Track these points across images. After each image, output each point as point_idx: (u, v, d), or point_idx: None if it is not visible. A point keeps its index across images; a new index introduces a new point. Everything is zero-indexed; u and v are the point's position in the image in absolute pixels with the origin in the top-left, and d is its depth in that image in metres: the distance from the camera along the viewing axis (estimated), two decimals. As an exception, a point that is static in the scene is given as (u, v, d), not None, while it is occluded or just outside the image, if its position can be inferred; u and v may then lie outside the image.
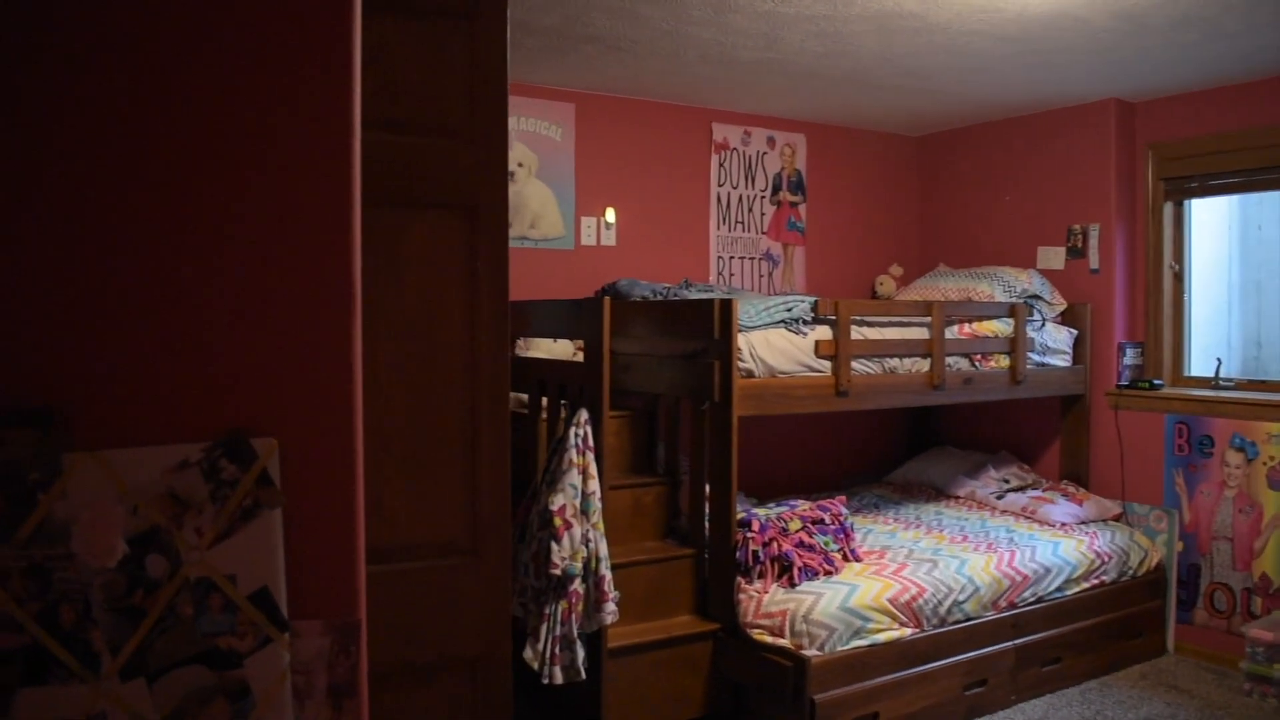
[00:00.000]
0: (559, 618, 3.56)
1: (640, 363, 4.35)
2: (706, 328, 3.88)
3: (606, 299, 3.83)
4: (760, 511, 4.12)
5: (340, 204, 1.51)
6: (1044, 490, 5.06)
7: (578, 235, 5.07)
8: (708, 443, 4.03)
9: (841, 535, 4.07)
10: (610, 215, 5.13)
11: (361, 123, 2.02)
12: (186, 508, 1.40)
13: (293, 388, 1.49)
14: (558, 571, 3.53)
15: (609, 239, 5.14)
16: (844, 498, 4.38)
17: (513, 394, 4.73)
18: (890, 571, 3.97)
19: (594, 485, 3.69)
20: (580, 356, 4.67)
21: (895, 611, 3.81)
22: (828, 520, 4.08)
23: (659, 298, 4.65)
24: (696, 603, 4.07)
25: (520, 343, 4.76)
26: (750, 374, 4.01)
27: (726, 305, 3.83)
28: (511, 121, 4.82)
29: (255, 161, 1.44)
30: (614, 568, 3.88)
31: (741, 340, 3.98)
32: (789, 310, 4.17)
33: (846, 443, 5.88)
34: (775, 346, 4.08)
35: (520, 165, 4.90)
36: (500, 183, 2.13)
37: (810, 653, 3.63)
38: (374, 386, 2.07)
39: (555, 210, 5.01)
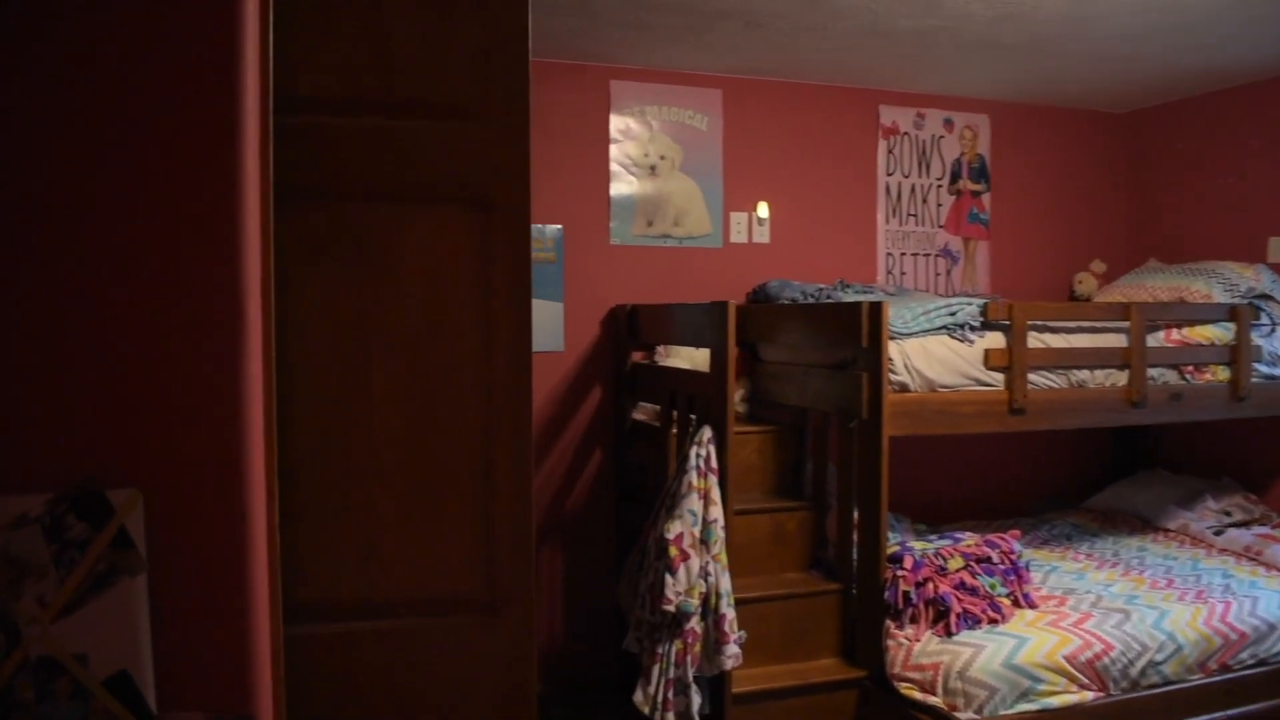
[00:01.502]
0: (673, 659, 3.18)
1: (787, 372, 3.92)
2: (853, 335, 3.41)
3: (731, 303, 3.42)
4: (916, 545, 3.60)
5: (222, 205, 1.20)
6: (1273, 527, 4.26)
7: (726, 233, 4.67)
8: (855, 465, 3.55)
9: (1012, 577, 3.50)
10: (762, 210, 4.70)
11: (351, 104, 1.72)
12: (25, 573, 1.13)
13: (162, 427, 1.19)
14: (671, 608, 3.16)
15: (761, 236, 4.71)
16: (1018, 532, 3.79)
17: (645, 404, 4.41)
18: (1070, 623, 3.36)
19: (716, 512, 3.29)
20: (725, 365, 4.28)
21: (1074, 671, 3.21)
22: (995, 559, 3.51)
23: (810, 300, 4.19)
24: (842, 646, 3.60)
25: (660, 350, 4.41)
26: (904, 388, 3.51)
27: (876, 309, 3.35)
28: (652, 111, 4.49)
29: (102, 160, 1.15)
30: (748, 602, 3.48)
31: (894, 349, 3.48)
32: (952, 314, 3.63)
33: (1037, 461, 5.20)
34: (935, 356, 3.55)
35: (663, 158, 4.55)
36: (520, 171, 1.77)
37: (965, 716, 3.10)
38: (367, 411, 1.77)
39: (701, 206, 4.63)
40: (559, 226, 4.44)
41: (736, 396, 4.21)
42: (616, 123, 4.50)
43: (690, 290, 4.53)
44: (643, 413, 4.38)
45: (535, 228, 4.33)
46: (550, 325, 4.44)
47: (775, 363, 4.09)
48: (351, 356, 1.76)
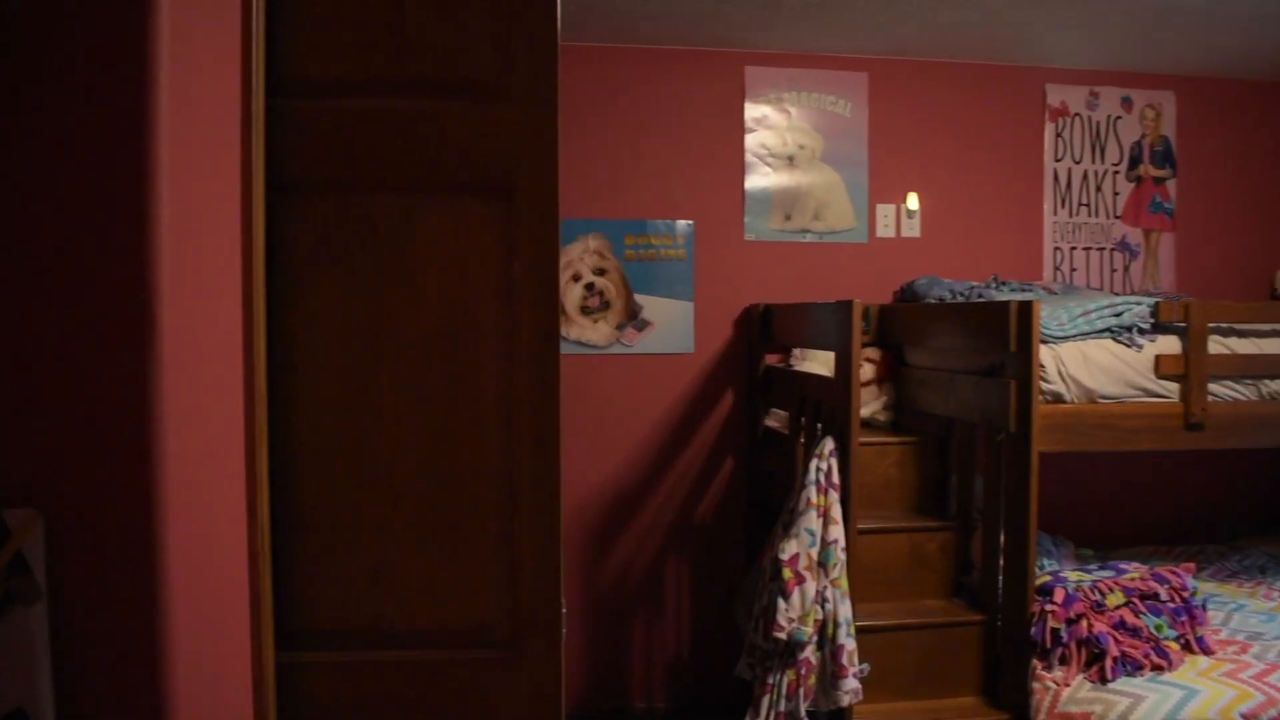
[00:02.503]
0: (784, 690, 2.92)
1: (933, 378, 3.58)
2: (999, 338, 3.05)
3: (856, 302, 3.11)
4: (1071, 576, 3.19)
5: (129, 207, 1.05)
6: None
7: (872, 226, 4.34)
8: (1003, 482, 3.18)
9: (1183, 617, 3.05)
10: (912, 202, 4.34)
11: (362, 86, 1.56)
12: (-94, 607, 1.01)
13: (65, 443, 1.05)
14: (782, 635, 2.90)
15: (910, 230, 4.35)
16: (1192, 565, 3.32)
17: (777, 410, 4.14)
18: (1252, 674, 2.90)
19: (836, 532, 3.00)
20: (865, 369, 3.97)
21: (1256, 732, 2.76)
22: (1164, 595, 3.07)
23: (960, 300, 3.83)
24: (985, 684, 3.24)
25: (796, 353, 4.13)
26: (1058, 398, 3.12)
27: (1025, 309, 2.98)
28: (791, 98, 4.21)
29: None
30: (878, 630, 3.18)
31: (1047, 354, 3.10)
32: (1118, 315, 3.20)
33: (1231, 478, 4.61)
34: (1096, 363, 3.14)
35: (802, 148, 4.27)
36: (546, 154, 1.58)
37: (1120, 777, 2.71)
38: (377, 423, 1.61)
39: (845, 198, 4.31)
40: (690, 222, 4.22)
41: (879, 404, 3.90)
42: (752, 111, 4.24)
43: (831, 289, 4.23)
44: (775, 419, 4.11)
45: (664, 223, 4.15)
46: (680, 325, 4.23)
47: (921, 368, 3.75)
48: (361, 362, 1.61)
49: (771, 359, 4.22)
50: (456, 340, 1.61)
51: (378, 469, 1.62)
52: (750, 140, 4.25)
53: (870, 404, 3.93)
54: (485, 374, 1.62)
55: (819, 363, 3.98)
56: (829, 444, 3.09)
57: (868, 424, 3.92)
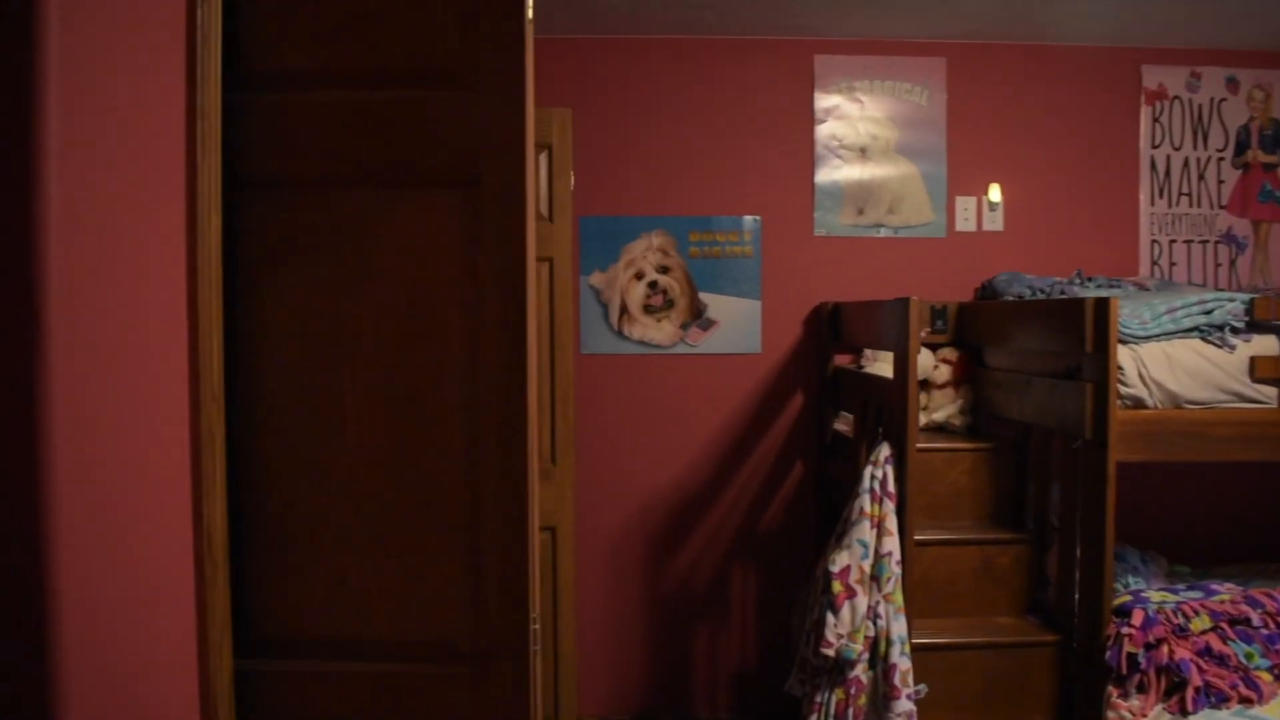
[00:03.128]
0: (832, 710, 2.77)
1: (1010, 381, 3.38)
2: (1075, 337, 2.83)
3: (912, 300, 2.93)
4: (1154, 596, 2.94)
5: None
6: None
7: (951, 220, 4.11)
8: (1079, 494, 2.96)
9: (1279, 645, 2.78)
10: (994, 193, 4.10)
11: (323, 77, 1.50)
12: None
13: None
14: (830, 652, 2.74)
15: (993, 223, 4.11)
16: (1293, 587, 3.03)
17: (846, 414, 3.95)
18: (1357, 711, 2.62)
19: (890, 544, 2.83)
20: (941, 371, 3.77)
21: (1358, 777, 2.48)
22: (1256, 620, 2.80)
23: (1040, 296, 3.59)
24: (1058, 711, 3.02)
25: (866, 354, 3.94)
26: (1139, 403, 2.89)
27: (1101, 306, 2.76)
28: (863, 86, 4.02)
29: None
30: (943, 648, 3.00)
31: (1126, 356, 2.87)
32: (1207, 313, 2.94)
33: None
34: (1182, 365, 2.89)
35: (875, 139, 4.07)
36: (515, 143, 1.47)
37: (1199, 819, 2.47)
38: (340, 427, 1.53)
39: (921, 191, 4.10)
40: (756, 217, 4.08)
41: (955, 407, 3.70)
42: (822, 101, 4.07)
43: (906, 286, 4.02)
44: (844, 423, 3.93)
45: (730, 219, 4.01)
46: (747, 325, 4.08)
47: (999, 370, 3.54)
48: (324, 363, 1.54)
49: (841, 360, 4.04)
50: (420, 341, 1.52)
51: (340, 474, 1.55)
52: (820, 131, 4.07)
53: (946, 407, 3.73)
54: (449, 377, 1.53)
55: (889, 364, 3.78)
56: (884, 450, 2.92)
57: (942, 428, 3.72)
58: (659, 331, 4.12)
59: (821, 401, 4.07)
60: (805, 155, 4.07)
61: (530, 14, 1.52)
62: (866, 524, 2.85)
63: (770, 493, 4.13)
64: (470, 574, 1.53)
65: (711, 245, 4.09)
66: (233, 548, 1.54)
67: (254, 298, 1.56)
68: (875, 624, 2.78)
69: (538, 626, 1.58)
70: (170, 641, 1.41)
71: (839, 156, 4.08)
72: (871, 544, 2.83)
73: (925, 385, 3.82)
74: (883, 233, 4.10)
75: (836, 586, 2.80)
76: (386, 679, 1.54)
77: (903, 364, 2.95)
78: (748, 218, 4.08)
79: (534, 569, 1.56)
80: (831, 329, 3.98)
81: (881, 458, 2.90)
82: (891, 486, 2.88)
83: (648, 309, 4.11)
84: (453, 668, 1.54)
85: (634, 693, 4.13)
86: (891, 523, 2.84)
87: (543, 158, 3.48)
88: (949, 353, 3.78)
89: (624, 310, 4.11)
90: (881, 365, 3.81)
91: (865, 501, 2.87)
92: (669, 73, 4.05)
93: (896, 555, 2.82)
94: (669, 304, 4.11)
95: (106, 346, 1.18)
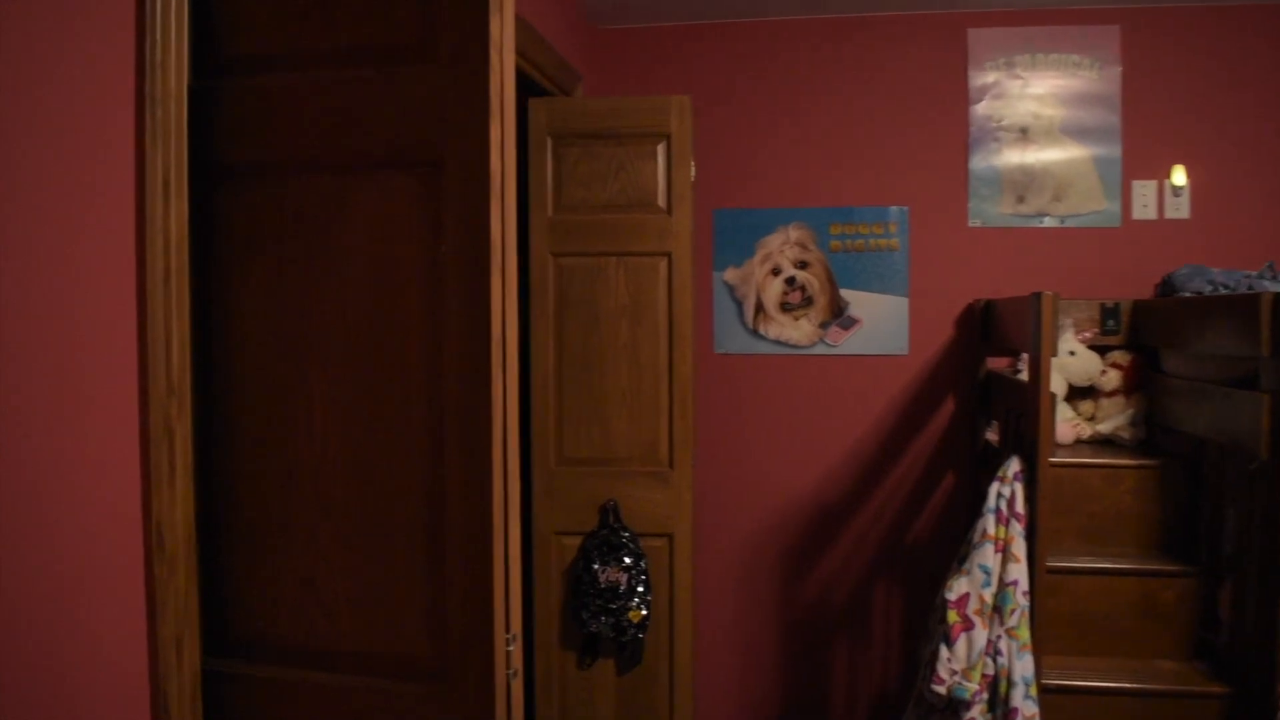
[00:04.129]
0: (944, 756, 2.47)
1: (1184, 389, 2.97)
2: (1250, 338, 2.43)
3: (1047, 295, 2.58)
4: (1346, 646, 2.48)
5: None
6: None
7: (1127, 207, 3.67)
8: (1255, 521, 2.54)
9: None
10: (1178, 177, 3.62)
11: (288, 58, 1.41)
12: None
13: None
14: (941, 689, 2.45)
15: (1177, 210, 3.63)
16: None
17: (997, 422, 3.58)
18: None
19: (1017, 571, 2.51)
20: (1110, 377, 3.36)
21: None
22: None
23: (1223, 291, 3.12)
24: (1226, 771, 2.60)
25: (1024, 356, 3.56)
26: (1329, 418, 2.43)
27: (1278, 302, 2.35)
28: (1023, 61, 3.65)
29: None
30: (1091, 691, 2.67)
31: (1313, 362, 2.42)
32: None
33: None
34: (1387, 373, 2.42)
35: (1037, 118, 3.68)
36: (475, 120, 1.32)
37: None
38: (307, 423, 1.44)
39: (1091, 176, 3.67)
40: (904, 207, 3.77)
41: (1124, 418, 3.29)
42: (976, 79, 3.71)
43: (1074, 282, 3.61)
44: (995, 432, 3.57)
45: (874, 210, 3.73)
46: (892, 324, 3.78)
47: (1175, 376, 3.11)
48: (291, 357, 1.46)
49: (996, 363, 3.68)
50: (384, 337, 1.41)
51: (307, 472, 1.46)
52: (975, 112, 3.72)
53: (1115, 418, 3.32)
54: (412, 373, 1.40)
55: (1057, 368, 3.40)
56: (1014, 465, 2.59)
57: (1111, 441, 3.31)
58: (797, 330, 3.88)
59: (974, 408, 3.72)
60: (958, 139, 3.73)
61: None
62: (990, 548, 2.54)
63: (917, 505, 3.81)
64: (431, 586, 1.41)
65: (854, 238, 3.81)
66: (206, 546, 1.48)
67: (228, 290, 1.49)
68: (995, 661, 2.47)
69: (513, 648, 1.42)
70: (117, 638, 1.36)
71: (996, 139, 3.71)
72: (995, 570, 2.52)
73: (1093, 392, 3.42)
74: (1047, 222, 3.70)
75: (952, 616, 2.50)
76: (353, 693, 1.44)
77: (1035, 367, 2.61)
78: (894, 208, 3.77)
79: (505, 583, 1.41)
80: (983, 329, 3.63)
81: (1010, 473, 2.58)
82: (1020, 506, 2.55)
83: (785, 306, 3.88)
84: (414, 686, 1.43)
85: (763, 711, 3.91)
86: (1019, 547, 2.52)
87: (660, 148, 3.33)
88: (1120, 356, 3.37)
89: (760, 308, 3.90)
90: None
91: (989, 523, 2.56)
92: (803, 56, 3.80)
93: (1024, 585, 2.50)
94: (807, 301, 3.86)
95: (41, 341, 1.14)
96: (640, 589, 3.30)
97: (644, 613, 3.29)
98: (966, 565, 2.55)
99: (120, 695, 1.38)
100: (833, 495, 3.86)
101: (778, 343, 3.88)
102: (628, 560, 3.30)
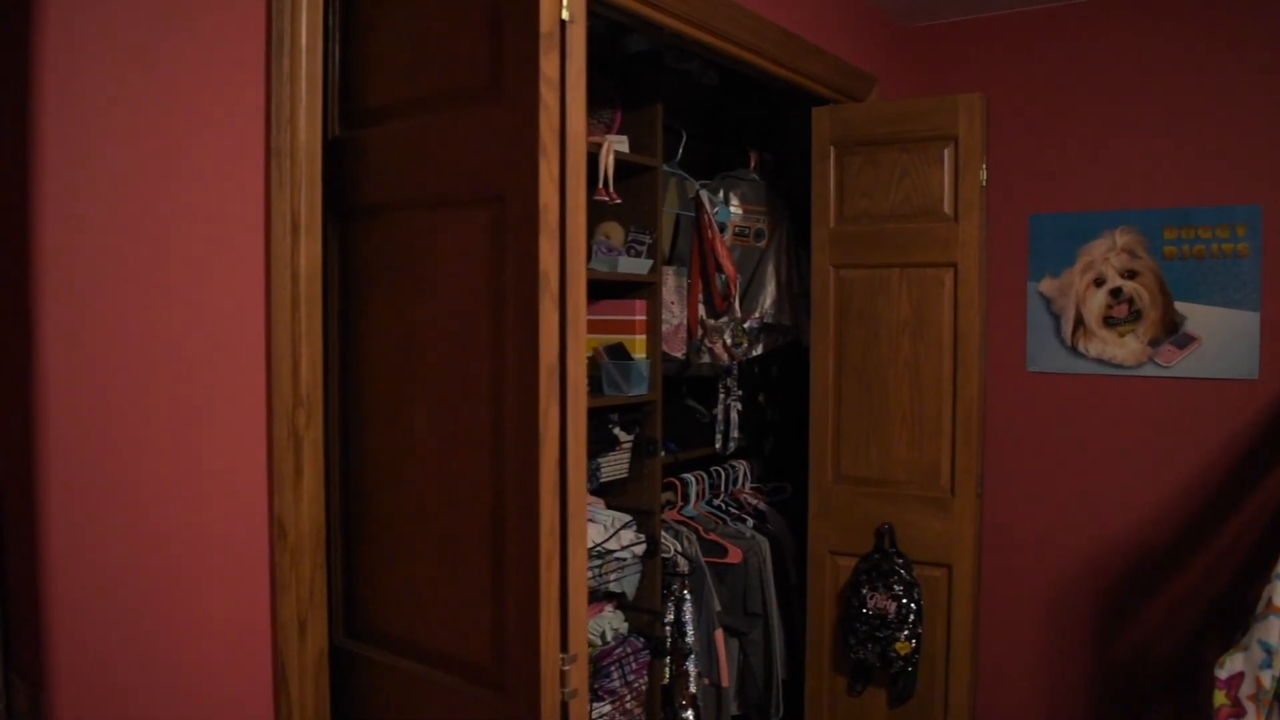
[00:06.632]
0: None
1: None
2: None
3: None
4: None
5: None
6: None
7: None
8: None
9: None
10: None
11: (401, 110, 1.57)
12: None
13: None
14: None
15: None
16: None
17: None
18: None
19: (1309, 654, 2.06)
20: None
21: None
22: None
23: None
24: None
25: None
26: None
27: None
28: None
29: None
30: None
31: None
32: None
33: None
34: None
35: None
36: (528, 156, 1.35)
37: None
38: (410, 441, 1.65)
39: None
40: (1256, 206, 3.21)
41: None
42: (1355, 50, 3.07)
43: None
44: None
45: (1217, 210, 3.24)
46: (1239, 342, 3.25)
47: None
48: (399, 380, 1.62)
49: (1369, 393, 3.03)
50: (463, 359, 1.51)
51: (409, 485, 1.61)
52: (1355, 90, 3.08)
53: None
54: (482, 397, 1.48)
55: None
56: (1313, 522, 2.13)
57: None
58: (1121, 348, 3.44)
59: (1341, 446, 3.09)
60: (1329, 123, 3.11)
61: (565, 14, 1.38)
62: (1276, 623, 2.11)
63: (1262, 560, 3.23)
64: (495, 599, 1.48)
65: (1192, 243, 3.32)
66: (343, 542, 1.67)
67: (361, 315, 1.66)
68: (1271, 759, 2.05)
69: (568, 668, 1.44)
70: (240, 617, 1.57)
71: (1382, 121, 3.05)
72: (1279, 650, 2.09)
73: None
74: None
75: (1219, 699, 2.12)
76: (436, 686, 1.58)
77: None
78: (1242, 207, 3.23)
79: (561, 603, 1.42)
80: (1351, 351, 3.01)
81: (1308, 532, 2.13)
82: (1321, 573, 2.10)
83: (1108, 321, 3.47)
84: (481, 691, 1.51)
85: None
86: (1316, 624, 2.07)
87: (946, 151, 3.12)
88: None
89: (1080, 322, 3.52)
90: None
91: (1278, 592, 2.13)
92: (1116, 40, 3.36)
93: (1319, 671, 2.05)
94: (1135, 315, 3.42)
95: (184, 363, 1.37)
96: (911, 620, 3.11)
97: (912, 644, 3.10)
98: (1245, 639, 2.14)
99: (242, 667, 1.59)
100: (1156, 540, 3.38)
101: (1099, 361, 3.47)
102: (898, 589, 3.13)
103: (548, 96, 1.35)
